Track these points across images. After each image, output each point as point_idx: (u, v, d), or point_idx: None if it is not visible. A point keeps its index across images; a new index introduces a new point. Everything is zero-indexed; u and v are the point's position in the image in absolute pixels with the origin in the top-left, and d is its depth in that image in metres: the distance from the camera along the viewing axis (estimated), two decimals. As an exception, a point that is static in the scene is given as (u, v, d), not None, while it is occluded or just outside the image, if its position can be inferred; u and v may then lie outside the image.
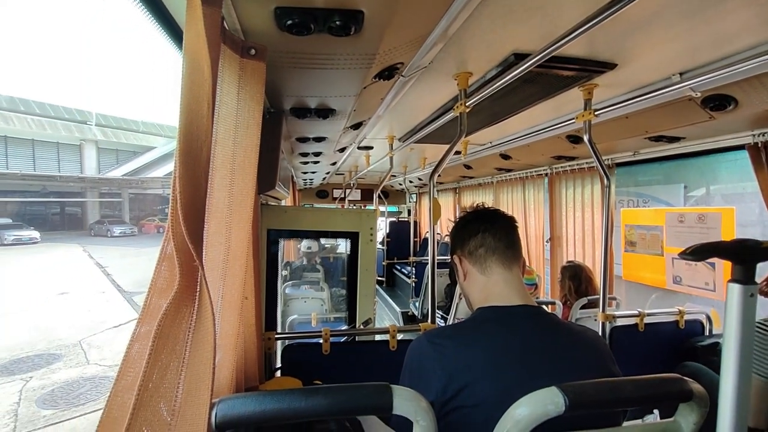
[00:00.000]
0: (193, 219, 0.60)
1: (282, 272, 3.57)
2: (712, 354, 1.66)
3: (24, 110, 21.98)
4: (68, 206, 25.48)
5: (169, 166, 25.01)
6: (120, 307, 8.46)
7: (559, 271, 2.62)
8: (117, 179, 24.67)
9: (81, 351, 5.94)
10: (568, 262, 2.70)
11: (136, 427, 0.53)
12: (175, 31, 0.87)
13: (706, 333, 1.90)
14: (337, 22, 0.83)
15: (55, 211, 25.45)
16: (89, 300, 8.98)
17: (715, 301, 2.28)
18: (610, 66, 1.30)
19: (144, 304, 0.59)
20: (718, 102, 1.47)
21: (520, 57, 1.19)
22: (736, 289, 0.53)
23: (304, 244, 4.28)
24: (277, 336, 1.55)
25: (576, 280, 2.43)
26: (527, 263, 3.62)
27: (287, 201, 3.50)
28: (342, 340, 1.65)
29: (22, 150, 22.33)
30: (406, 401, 0.57)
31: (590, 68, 1.31)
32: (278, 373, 1.52)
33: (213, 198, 0.76)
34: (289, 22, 0.81)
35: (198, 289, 0.58)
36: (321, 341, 1.50)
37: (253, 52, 0.81)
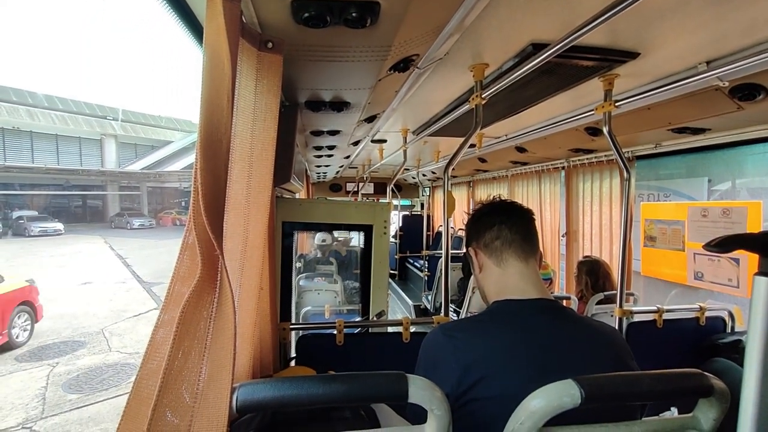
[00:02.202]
0: (214, 210, 0.62)
1: (296, 264, 3.62)
2: (734, 351, 1.62)
3: (48, 106, 22.71)
4: (90, 199, 26.33)
5: (186, 160, 25.56)
6: (139, 296, 8.73)
7: (576, 266, 2.57)
8: (136, 173, 25.32)
9: (103, 339, 6.17)
10: (585, 256, 2.65)
11: (161, 409, 0.56)
12: (195, 26, 0.88)
13: (728, 330, 1.85)
14: (353, 14, 0.82)
15: (77, 204, 26.34)
16: (111, 290, 9.29)
17: (739, 299, 2.21)
18: (632, 55, 1.26)
19: (167, 291, 0.61)
20: (747, 91, 1.41)
21: (538, 47, 1.16)
22: (763, 282, 0.51)
23: (319, 236, 4.33)
24: (291, 326, 1.58)
25: (593, 276, 2.38)
26: (543, 258, 3.58)
27: (301, 194, 3.54)
28: (355, 332, 1.67)
29: (47, 145, 23.12)
30: (422, 390, 0.58)
31: (611, 58, 1.28)
32: (293, 363, 1.55)
33: (232, 190, 0.78)
34: (306, 14, 0.82)
35: (219, 278, 0.60)
36: (335, 332, 1.52)
37: (270, 45, 0.82)
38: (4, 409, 4.09)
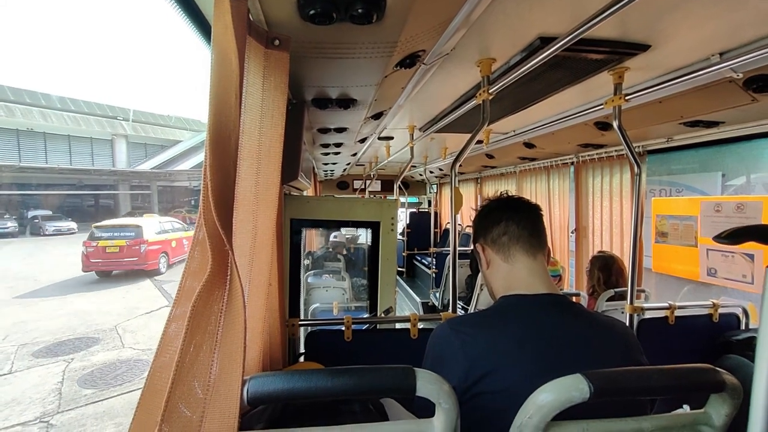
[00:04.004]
0: (223, 206, 0.63)
1: (304, 261, 3.65)
2: (748, 349, 1.59)
3: (60, 107, 23.13)
4: (102, 198, 26.77)
5: (195, 159, 25.84)
6: (151, 294, 8.87)
7: (589, 261, 2.54)
8: (146, 172, 25.66)
9: (117, 335, 6.29)
10: (599, 252, 2.62)
11: (174, 402, 0.57)
12: (203, 25, 0.89)
13: (742, 327, 1.82)
14: (360, 10, 0.82)
15: (90, 203, 26.81)
16: (123, 287, 9.46)
17: (753, 295, 2.17)
18: (642, 48, 1.24)
19: (179, 286, 0.63)
20: (761, 83, 1.38)
21: (546, 41, 1.15)
22: None
23: (333, 234, 4.41)
24: (300, 323, 1.59)
25: (606, 272, 2.35)
26: (551, 254, 3.56)
27: (309, 192, 3.56)
28: (363, 328, 1.68)
29: (60, 145, 23.57)
30: (429, 384, 0.58)
31: (621, 51, 1.26)
32: (302, 359, 1.57)
33: (240, 187, 0.79)
34: (312, 11, 0.82)
35: (228, 273, 0.61)
36: (343, 329, 1.53)
37: (277, 42, 0.82)
38: (23, 404, 4.20)
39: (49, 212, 22.04)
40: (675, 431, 0.65)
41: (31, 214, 21.47)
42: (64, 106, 23.38)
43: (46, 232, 19.75)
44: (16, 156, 21.51)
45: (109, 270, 10.68)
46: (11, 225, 19.68)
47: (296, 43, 0.97)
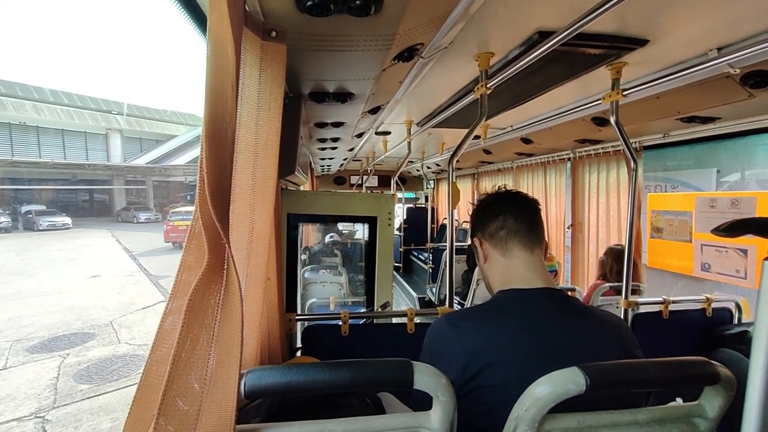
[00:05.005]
0: (220, 199, 0.62)
1: (301, 256, 3.64)
2: (741, 343, 1.61)
3: (53, 101, 22.84)
4: (97, 193, 26.60)
5: (191, 154, 25.67)
6: (147, 289, 8.83)
7: (603, 252, 2.61)
8: (141, 167, 25.46)
9: (112, 330, 6.27)
10: (615, 245, 2.68)
11: (170, 395, 0.57)
12: (198, 15, 0.87)
13: (735, 322, 1.84)
14: (357, 2, 0.81)
15: (84, 199, 26.63)
16: (119, 283, 9.41)
17: (746, 290, 2.20)
18: (640, 42, 1.24)
19: (175, 280, 0.62)
20: (758, 79, 1.39)
21: (544, 35, 1.15)
22: None
23: (329, 234, 4.43)
24: (297, 317, 1.59)
25: (621, 262, 2.42)
26: (548, 249, 3.59)
27: (305, 187, 3.54)
28: (360, 323, 1.68)
29: (54, 140, 23.32)
30: (427, 377, 0.58)
31: (619, 45, 1.25)
32: (299, 353, 1.57)
33: (237, 180, 0.78)
34: (309, 2, 0.81)
35: (225, 266, 0.61)
36: (340, 323, 1.53)
37: (273, 34, 0.81)
38: (18, 399, 4.18)
39: (42, 207, 21.85)
40: (670, 423, 0.66)
41: (24, 209, 21.28)
42: (57, 100, 23.10)
43: (40, 227, 19.59)
44: (9, 150, 21.25)
45: (181, 242, 14.07)
46: (4, 220, 19.48)
47: (293, 35, 0.96)
